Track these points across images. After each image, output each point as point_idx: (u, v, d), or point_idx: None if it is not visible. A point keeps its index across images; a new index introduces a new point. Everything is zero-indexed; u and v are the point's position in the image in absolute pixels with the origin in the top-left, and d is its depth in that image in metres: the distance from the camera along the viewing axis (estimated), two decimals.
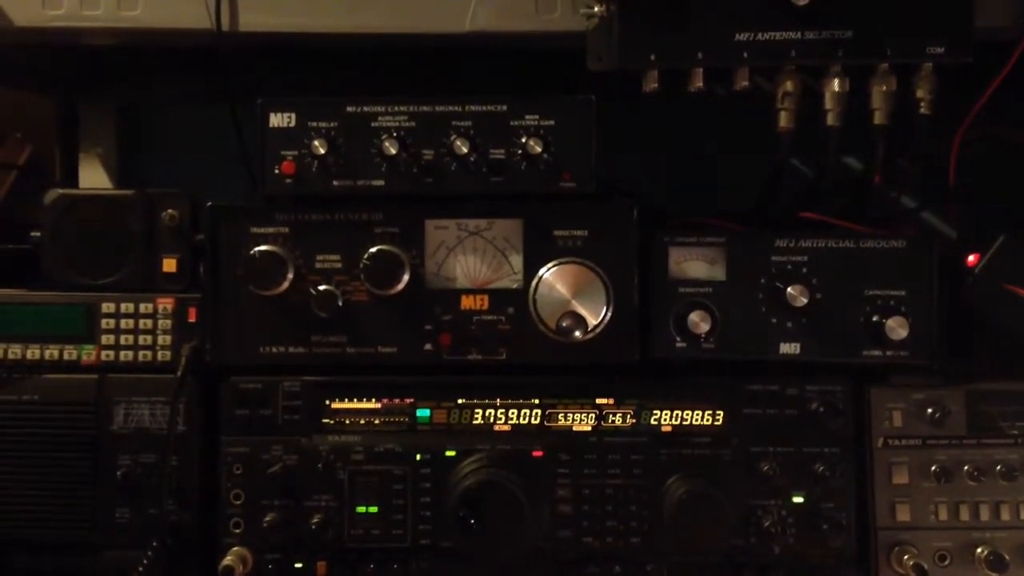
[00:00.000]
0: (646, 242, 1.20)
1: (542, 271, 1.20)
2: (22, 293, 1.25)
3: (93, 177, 1.51)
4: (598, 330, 1.21)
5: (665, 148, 1.50)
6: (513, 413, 1.23)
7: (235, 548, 1.21)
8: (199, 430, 1.24)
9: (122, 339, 1.26)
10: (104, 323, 1.25)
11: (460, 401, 1.23)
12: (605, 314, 1.21)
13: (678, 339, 1.24)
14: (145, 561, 1.23)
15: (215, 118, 1.41)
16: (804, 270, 1.20)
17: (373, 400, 1.23)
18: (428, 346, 1.21)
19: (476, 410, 1.23)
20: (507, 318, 1.21)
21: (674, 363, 1.20)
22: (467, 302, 1.22)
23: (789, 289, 1.20)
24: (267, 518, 1.21)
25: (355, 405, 1.23)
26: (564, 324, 1.19)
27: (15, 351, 1.25)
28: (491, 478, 1.19)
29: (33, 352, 1.26)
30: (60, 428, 1.24)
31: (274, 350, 1.22)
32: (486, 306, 1.21)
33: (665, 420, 1.25)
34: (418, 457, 1.21)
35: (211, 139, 1.48)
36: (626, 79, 1.21)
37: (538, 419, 1.22)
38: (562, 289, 1.21)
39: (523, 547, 1.21)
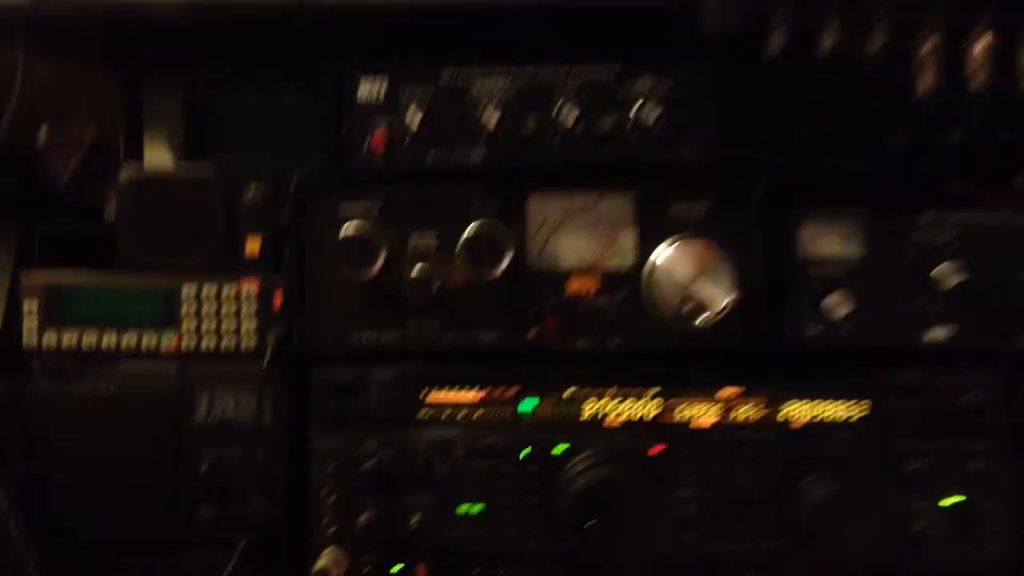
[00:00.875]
0: (774, 217, 1.09)
1: (660, 249, 1.08)
2: (97, 276, 1.17)
3: (158, 157, 1.42)
4: (723, 314, 1.09)
5: (793, 115, 1.38)
6: (627, 406, 1.12)
7: (329, 549, 1.12)
8: (287, 422, 1.14)
9: (204, 324, 1.16)
10: (185, 307, 1.17)
11: (568, 392, 1.12)
12: (731, 296, 1.09)
13: (812, 324, 1.12)
14: (234, 562, 1.14)
15: (285, 96, 1.31)
16: (953, 248, 1.06)
17: (474, 390, 1.12)
18: (532, 332, 1.11)
19: (586, 402, 1.13)
20: (619, 301, 1.11)
21: (808, 350, 1.07)
22: (575, 284, 1.12)
23: (936, 269, 1.07)
24: (362, 517, 1.12)
25: (454, 396, 1.13)
26: (686, 308, 1.08)
27: (90, 338, 1.17)
28: (609, 477, 1.09)
29: (110, 339, 1.17)
30: (139, 420, 1.16)
31: (366, 336, 1.13)
32: (596, 288, 1.10)
33: (799, 413, 1.13)
34: (524, 452, 1.10)
35: (282, 118, 1.38)
36: (748, 39, 1.08)
37: (655, 413, 1.11)
38: (683, 269, 1.09)
39: (644, 553, 1.10)
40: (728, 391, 1.12)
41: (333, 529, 1.13)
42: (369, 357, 1.12)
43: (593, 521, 1.07)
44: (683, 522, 1.11)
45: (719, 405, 1.12)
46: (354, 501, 1.13)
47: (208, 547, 1.15)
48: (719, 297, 1.08)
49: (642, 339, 1.11)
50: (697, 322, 1.08)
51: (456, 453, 1.13)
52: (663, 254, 1.09)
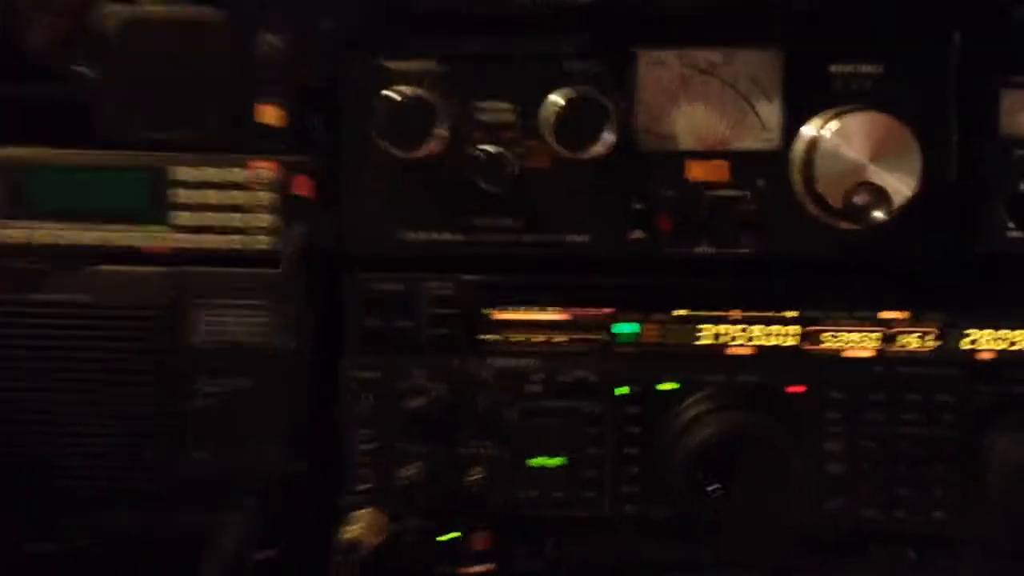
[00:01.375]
0: (968, 84, 0.85)
1: (818, 124, 0.81)
2: (67, 154, 0.89)
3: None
4: (897, 212, 0.81)
5: None
6: (759, 331, 0.89)
7: (363, 512, 0.89)
8: (312, 346, 0.90)
9: (204, 219, 0.91)
10: (178, 195, 0.89)
11: (681, 312, 0.90)
12: (914, 187, 0.81)
13: (1012, 227, 0.84)
14: (238, 526, 0.88)
15: None
16: None
17: (556, 309, 0.89)
18: (637, 233, 0.89)
19: (704, 326, 0.90)
20: (756, 194, 0.87)
21: (1003, 261, 0.80)
22: (696, 170, 0.88)
23: None
24: (407, 471, 0.90)
25: (531, 315, 0.91)
26: (858, 200, 0.80)
27: (61, 234, 0.90)
28: (738, 427, 0.82)
29: (81, 235, 0.90)
30: (120, 340, 0.89)
31: (418, 236, 0.90)
32: (725, 176, 0.88)
33: (986, 343, 0.86)
34: (620, 390, 0.88)
35: None
36: None
37: (795, 340, 0.89)
38: (855, 149, 0.81)
39: (777, 523, 0.84)
40: (891, 314, 0.85)
41: (369, 485, 0.91)
42: (421, 263, 0.90)
43: (716, 486, 0.81)
44: (829, 484, 0.88)
45: (880, 332, 0.85)
46: (397, 449, 0.90)
47: (204, 505, 0.89)
48: (903, 187, 0.81)
49: (785, 244, 0.87)
50: (871, 219, 0.80)
51: (530, 390, 0.90)
52: (828, 128, 0.81)
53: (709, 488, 0.82)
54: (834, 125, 0.82)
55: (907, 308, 0.87)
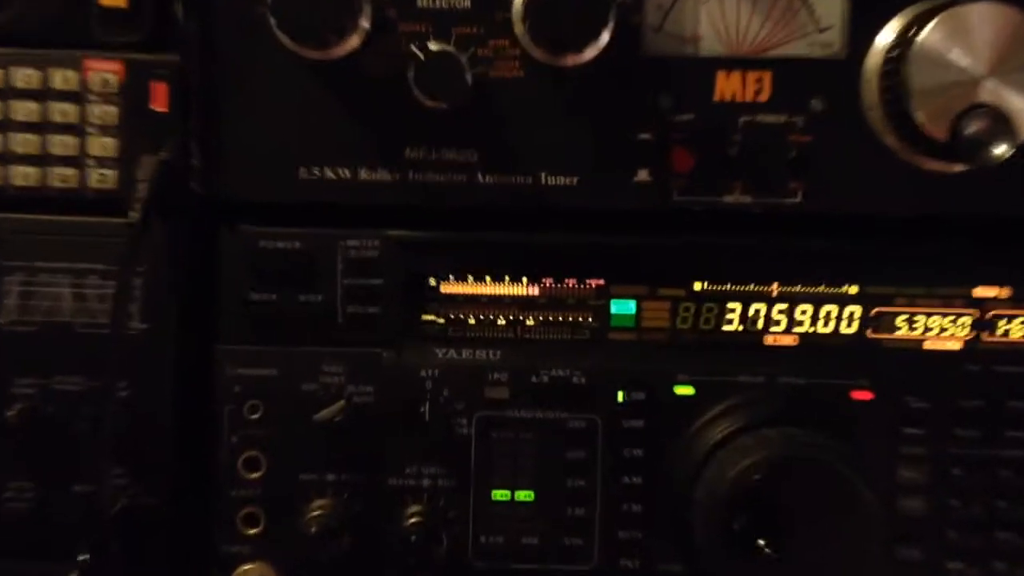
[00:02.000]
0: None
1: (906, 21, 0.57)
2: None
3: None
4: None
5: None
6: (807, 313, 0.68)
7: (247, 569, 0.67)
8: (175, 328, 0.66)
9: (15, 143, 0.66)
10: None
11: (702, 287, 0.67)
12: None
13: None
14: None
15: None
16: None
17: (525, 281, 0.65)
18: (643, 175, 0.65)
19: (733, 305, 0.68)
20: (809, 120, 0.64)
21: None
22: (726, 86, 0.65)
23: None
24: (314, 510, 0.65)
25: (492, 289, 0.68)
26: (971, 128, 0.55)
27: None
28: (799, 453, 0.57)
29: None
30: None
31: (329, 175, 0.66)
32: (764, 94, 0.64)
33: None
34: (621, 395, 0.65)
35: None
36: None
37: (856, 325, 0.67)
38: (968, 57, 0.56)
39: None
40: (990, 290, 0.66)
41: (258, 529, 0.67)
42: (334, 214, 0.67)
43: (761, 541, 0.56)
44: (905, 526, 0.66)
45: (972, 315, 0.62)
46: (301, 480, 0.67)
47: (16, 555, 0.67)
48: None
49: (846, 191, 0.65)
50: (988, 155, 0.55)
51: (492, 394, 0.67)
52: (928, 28, 0.57)
53: (751, 542, 0.57)
54: (936, 23, 0.57)
55: (1009, 283, 0.64)
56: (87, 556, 0.63)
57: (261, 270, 0.64)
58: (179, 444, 0.65)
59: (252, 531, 0.65)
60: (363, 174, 0.65)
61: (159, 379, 0.65)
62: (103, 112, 0.65)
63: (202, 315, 0.66)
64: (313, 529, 0.63)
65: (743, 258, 0.67)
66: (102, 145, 0.66)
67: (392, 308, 0.65)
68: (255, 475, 0.65)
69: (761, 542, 0.57)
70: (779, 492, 0.59)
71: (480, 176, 0.65)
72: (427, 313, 0.66)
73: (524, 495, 0.65)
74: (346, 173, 0.65)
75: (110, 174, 0.66)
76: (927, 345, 0.66)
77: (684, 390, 0.65)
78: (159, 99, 0.65)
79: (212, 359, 0.65)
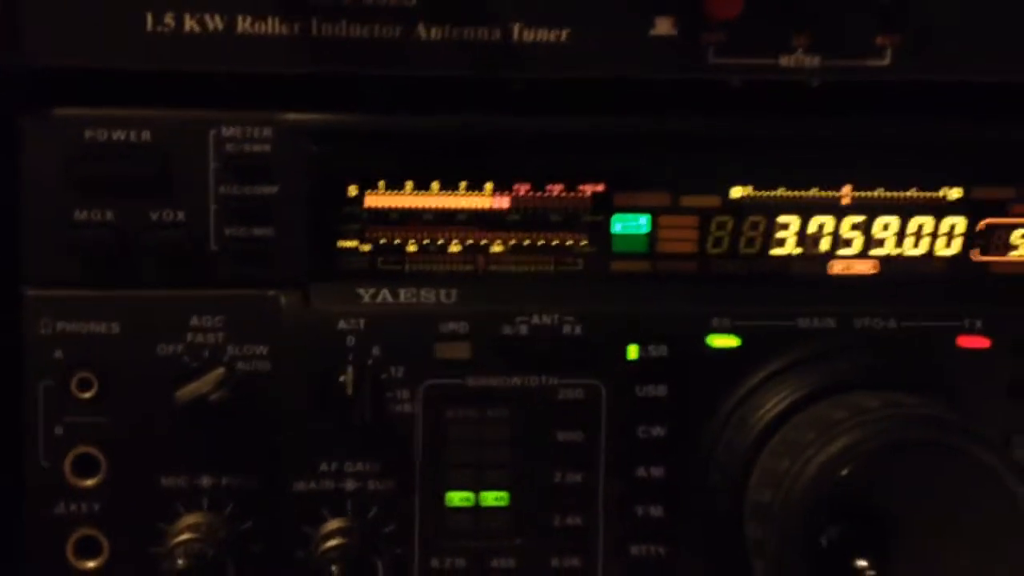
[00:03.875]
0: None
1: None
2: None
3: None
4: None
5: None
6: (890, 227, 0.48)
7: None
8: None
9: None
10: None
11: (739, 193, 0.48)
12: None
13: None
14: None
15: None
16: None
17: (489, 188, 0.47)
18: (663, 25, 0.45)
19: (785, 218, 0.48)
20: None
21: None
22: None
23: None
24: (180, 532, 0.44)
25: (437, 200, 0.47)
26: None
27: None
28: (922, 432, 0.39)
29: None
30: None
31: (192, 26, 0.44)
32: None
33: None
34: (633, 351, 0.46)
35: None
36: None
37: (959, 244, 0.49)
38: None
39: None
40: None
41: (97, 560, 0.46)
42: (201, 87, 0.46)
43: (864, 562, 0.38)
44: None
45: None
46: (157, 483, 0.46)
47: None
48: None
49: (959, 52, 0.46)
50: None
51: (445, 353, 0.46)
52: None
53: (845, 562, 0.38)
54: None
55: None
56: None
57: (88, 175, 0.43)
58: None
59: (90, 563, 0.44)
60: (243, 25, 0.43)
61: None
62: None
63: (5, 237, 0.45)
64: (180, 561, 0.42)
65: (802, 151, 0.48)
66: None
67: (293, 230, 0.44)
68: (90, 482, 0.44)
69: (862, 563, 0.39)
70: (881, 490, 0.40)
71: (422, 29, 0.44)
72: (345, 237, 0.46)
73: (494, 498, 0.45)
74: (218, 23, 0.43)
75: None
76: None
77: (723, 341, 0.46)
78: None
79: (17, 311, 0.43)
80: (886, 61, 0.47)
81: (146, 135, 0.43)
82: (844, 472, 0.40)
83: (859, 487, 0.40)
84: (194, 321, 0.44)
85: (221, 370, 0.44)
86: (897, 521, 0.40)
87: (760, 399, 0.45)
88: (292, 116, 0.44)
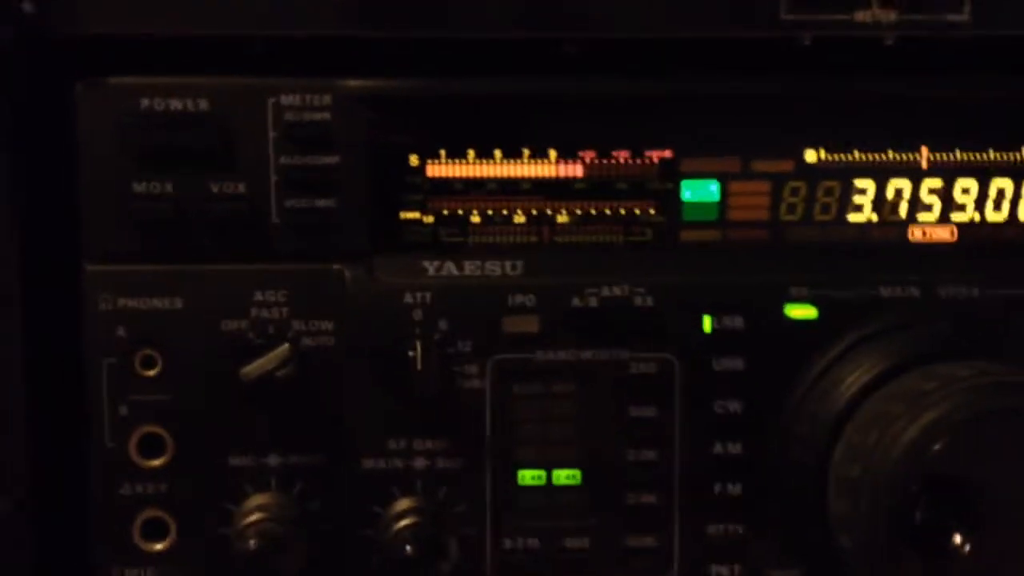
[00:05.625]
0: None
1: None
2: None
3: None
4: None
5: None
6: (969, 189, 0.47)
7: None
8: (16, 242, 0.43)
9: None
10: None
11: (813, 157, 0.46)
12: None
13: None
14: None
15: None
16: None
17: (554, 155, 0.45)
18: None
19: (862, 182, 0.46)
20: None
21: None
22: None
23: None
24: (249, 512, 0.42)
25: (501, 169, 0.46)
26: None
27: None
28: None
29: None
30: None
31: None
32: None
33: None
34: (708, 322, 0.44)
35: None
36: None
37: None
38: None
39: None
40: None
41: (164, 542, 0.45)
42: (258, 53, 0.44)
43: (959, 538, 0.37)
44: None
45: None
46: (225, 462, 0.44)
47: None
48: None
49: None
50: None
51: (515, 327, 0.45)
52: None
53: (940, 538, 0.36)
54: None
55: None
56: None
57: (146, 146, 0.41)
58: (35, 419, 0.43)
59: (157, 546, 0.43)
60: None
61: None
62: None
63: (59, 221, 0.43)
64: (251, 542, 0.41)
65: (877, 111, 0.46)
66: None
67: (355, 201, 0.43)
68: (157, 462, 0.43)
69: (957, 539, 0.37)
70: (974, 461, 0.39)
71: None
72: (408, 208, 0.44)
73: (567, 476, 0.44)
74: None
75: None
76: None
77: (801, 311, 0.44)
78: None
79: (78, 287, 0.42)
80: (964, 16, 0.45)
81: (203, 104, 0.42)
82: (937, 445, 0.38)
83: (952, 459, 0.38)
84: (258, 296, 0.42)
85: (286, 346, 0.42)
86: (990, 492, 0.39)
87: (842, 371, 0.43)
88: (351, 83, 0.43)
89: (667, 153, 0.46)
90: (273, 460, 0.43)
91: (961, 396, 0.39)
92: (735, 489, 0.45)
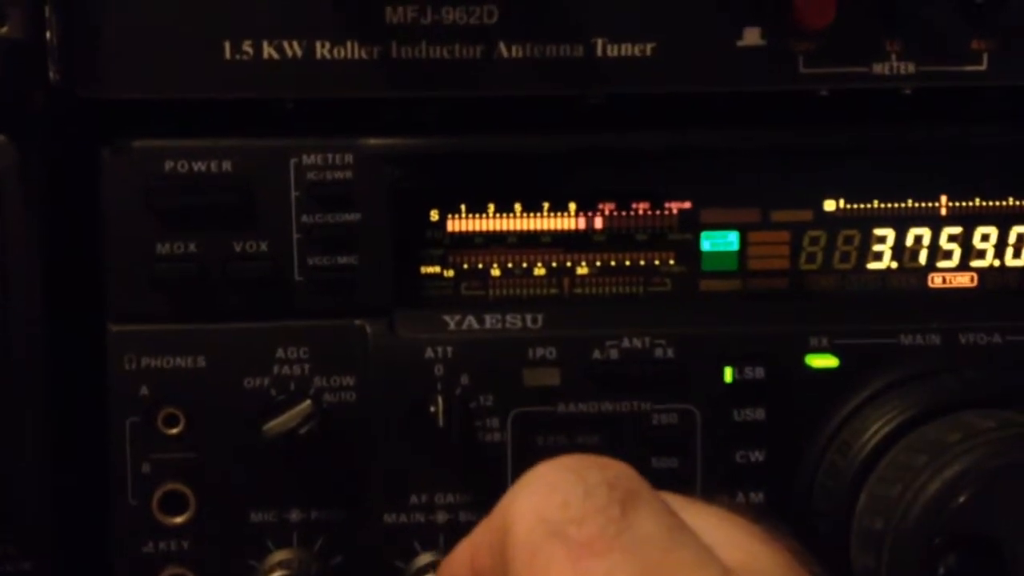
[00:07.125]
0: None
1: None
2: None
3: None
4: None
5: None
6: (989, 236, 0.48)
7: None
8: (40, 303, 0.43)
9: None
10: None
11: (832, 206, 0.47)
12: None
13: None
14: None
15: None
16: None
17: (573, 208, 0.45)
18: (751, 35, 0.44)
19: (881, 231, 0.47)
20: None
21: None
22: None
23: None
24: (272, 569, 0.44)
25: (521, 223, 0.46)
26: None
27: None
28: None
29: None
30: None
31: (271, 53, 0.42)
32: None
33: None
34: (729, 373, 0.45)
35: None
36: None
37: None
38: None
39: None
40: None
41: None
42: (281, 115, 0.45)
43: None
44: None
45: None
46: (247, 518, 0.44)
47: None
48: None
49: None
50: None
51: (535, 380, 0.44)
52: None
53: None
54: None
55: None
56: None
57: (170, 207, 0.42)
58: (58, 479, 0.44)
59: None
60: (322, 50, 0.42)
61: (21, 381, 0.42)
62: None
63: (84, 281, 0.43)
64: None
65: (896, 159, 0.46)
66: None
67: (376, 257, 0.43)
68: (180, 519, 0.43)
69: None
70: (999, 514, 0.38)
71: (502, 46, 0.43)
72: (429, 263, 0.45)
73: None
74: (297, 49, 0.42)
75: None
76: None
77: (822, 361, 0.43)
78: None
79: (103, 347, 0.42)
80: (982, 66, 0.45)
81: (227, 165, 0.42)
82: (962, 498, 0.38)
83: (976, 512, 0.38)
84: (280, 353, 0.43)
85: (308, 403, 0.43)
86: (1015, 545, 0.39)
87: (864, 421, 0.43)
88: (373, 141, 0.43)
89: (686, 204, 0.46)
90: (295, 516, 0.43)
91: (985, 448, 0.38)
92: None
